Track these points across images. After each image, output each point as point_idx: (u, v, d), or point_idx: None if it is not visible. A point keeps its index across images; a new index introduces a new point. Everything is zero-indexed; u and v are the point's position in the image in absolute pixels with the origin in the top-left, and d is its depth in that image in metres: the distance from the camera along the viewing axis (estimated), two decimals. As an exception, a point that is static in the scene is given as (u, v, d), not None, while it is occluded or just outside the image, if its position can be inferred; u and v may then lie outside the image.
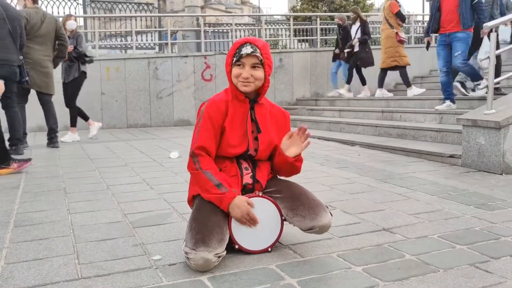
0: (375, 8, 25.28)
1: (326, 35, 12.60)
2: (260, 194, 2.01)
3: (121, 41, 12.65)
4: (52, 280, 1.75)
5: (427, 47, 6.16)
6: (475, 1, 5.52)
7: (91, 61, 6.36)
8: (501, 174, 3.74)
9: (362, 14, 8.98)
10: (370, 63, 8.41)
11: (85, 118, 6.58)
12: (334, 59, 9.15)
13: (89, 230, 2.37)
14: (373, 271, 1.80)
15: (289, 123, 2.18)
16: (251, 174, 2.04)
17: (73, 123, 6.46)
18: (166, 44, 11.57)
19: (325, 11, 19.50)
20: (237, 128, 2.01)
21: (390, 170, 3.99)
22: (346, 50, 8.58)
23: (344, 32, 8.81)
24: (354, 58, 8.59)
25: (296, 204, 2.00)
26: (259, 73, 1.97)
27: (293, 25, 11.84)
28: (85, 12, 11.84)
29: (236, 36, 11.74)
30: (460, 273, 1.78)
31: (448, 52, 5.65)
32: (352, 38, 8.56)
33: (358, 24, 8.57)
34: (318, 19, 11.61)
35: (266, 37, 11.91)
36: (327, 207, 2.03)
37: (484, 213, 2.60)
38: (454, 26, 5.57)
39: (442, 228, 2.34)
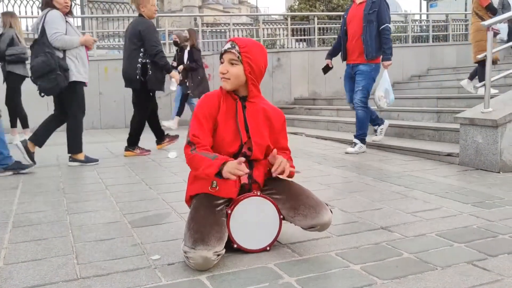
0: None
1: (323, 35, 12.60)
2: (258, 194, 2.02)
3: (119, 41, 12.62)
4: (51, 280, 1.75)
5: (325, 70, 5.25)
6: (382, 27, 4.66)
7: (21, 60, 6.10)
8: (499, 172, 3.75)
9: (195, 38, 7.67)
10: (200, 93, 7.01)
11: (24, 125, 6.50)
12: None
13: (87, 230, 2.37)
14: (371, 269, 1.80)
15: (284, 125, 2.19)
16: (248, 174, 2.04)
17: (13, 124, 6.41)
18: (164, 44, 11.56)
19: (322, 11, 19.51)
20: (230, 124, 2.03)
21: (387, 168, 4.00)
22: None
23: (181, 53, 7.65)
24: (183, 87, 7.50)
25: (297, 204, 2.01)
26: (235, 69, 1.99)
27: (291, 25, 11.85)
28: (83, 12, 11.84)
29: (234, 36, 11.73)
30: (458, 271, 1.78)
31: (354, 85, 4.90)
32: (184, 62, 7.48)
33: (188, 47, 7.49)
34: (315, 18, 11.61)
35: (263, 37, 11.91)
36: (327, 205, 2.04)
37: (482, 211, 2.61)
38: (358, 57, 4.77)
39: (440, 226, 2.35)
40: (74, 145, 4.49)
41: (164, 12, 21.59)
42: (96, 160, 4.58)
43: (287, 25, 11.85)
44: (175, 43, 7.81)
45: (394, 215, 2.56)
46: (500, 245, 2.07)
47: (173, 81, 5.46)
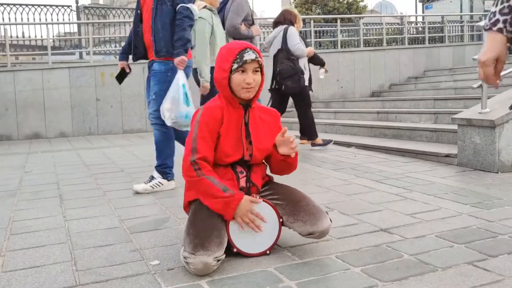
0: (368, 10, 25.36)
1: (320, 38, 12.63)
2: (258, 197, 2.01)
3: (116, 46, 12.62)
4: (50, 287, 1.74)
5: (120, 77, 3.64)
6: (177, 8, 3.30)
7: None
8: (497, 173, 3.75)
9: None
10: None
11: None
12: None
13: (86, 237, 2.36)
14: (372, 271, 1.80)
15: (279, 121, 2.17)
16: (246, 177, 2.04)
17: None
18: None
19: (318, 14, 19.56)
20: (232, 135, 1.99)
21: (386, 170, 4.00)
22: None
23: None
24: None
25: (297, 210, 2.00)
26: (258, 77, 1.97)
27: (287, 28, 11.84)
28: (78, 18, 11.83)
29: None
30: (458, 271, 1.78)
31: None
32: None
33: None
34: (311, 21, 11.64)
35: (260, 40, 11.92)
36: (327, 213, 2.03)
37: (481, 211, 2.61)
38: (151, 51, 3.45)
39: (440, 227, 2.35)
40: (310, 133, 5.43)
41: (160, 17, 21.75)
42: (331, 141, 5.49)
43: (283, 28, 11.85)
44: None
45: (393, 217, 2.56)
46: (500, 245, 2.07)
47: (321, 71, 5.77)
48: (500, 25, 1.24)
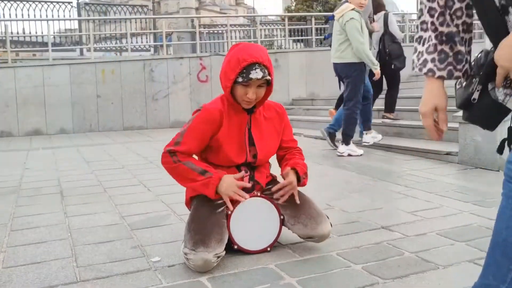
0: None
1: (321, 35, 12.60)
2: (258, 194, 2.01)
3: (116, 43, 12.61)
4: (50, 283, 1.74)
5: None
6: None
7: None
8: (498, 171, 3.75)
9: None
10: None
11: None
12: None
13: (86, 233, 2.35)
14: (373, 269, 1.79)
15: (285, 116, 2.14)
16: (250, 176, 2.04)
17: None
18: (161, 46, 11.55)
19: (319, 11, 19.53)
20: (234, 139, 1.97)
21: (387, 168, 4.00)
22: None
23: None
24: None
25: (298, 213, 2.00)
26: (263, 90, 1.92)
27: (288, 26, 11.85)
28: (79, 15, 11.83)
29: (231, 37, 11.73)
30: (459, 269, 1.78)
31: None
32: None
33: None
34: (313, 19, 11.62)
35: (261, 38, 11.90)
36: (328, 217, 2.03)
37: (482, 209, 2.61)
38: None
39: (441, 225, 2.34)
40: (391, 105, 5.98)
41: (161, 14, 21.58)
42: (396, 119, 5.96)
43: (284, 26, 11.86)
44: None
45: (394, 215, 2.56)
46: (501, 243, 2.06)
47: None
48: (430, 65, 1.15)
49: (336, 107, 5.60)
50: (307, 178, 2.08)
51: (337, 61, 4.77)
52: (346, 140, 4.72)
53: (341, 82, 5.01)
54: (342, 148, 4.71)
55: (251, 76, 1.83)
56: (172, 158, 1.89)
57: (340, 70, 4.79)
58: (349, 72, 4.67)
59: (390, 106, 6.09)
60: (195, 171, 1.87)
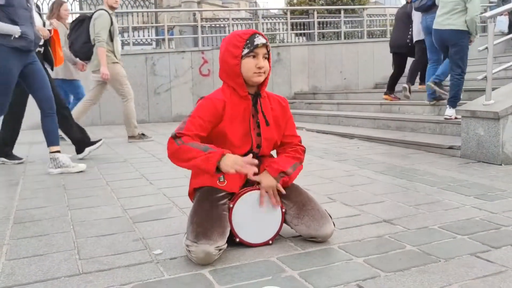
0: (371, 1, 25.17)
1: (323, 29, 12.56)
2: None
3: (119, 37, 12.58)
4: (53, 275, 1.75)
5: None
6: None
7: None
8: (500, 165, 3.74)
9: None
10: None
11: None
12: None
13: (89, 226, 2.36)
14: (375, 262, 1.80)
15: (288, 110, 2.14)
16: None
17: None
18: (163, 39, 11.53)
19: (322, 5, 19.42)
20: (238, 128, 1.97)
21: (389, 162, 3.99)
22: None
23: None
24: None
25: (302, 214, 2.00)
26: (267, 63, 1.95)
27: (290, 19, 11.80)
28: (81, 8, 11.79)
29: (233, 30, 11.66)
30: (461, 262, 1.78)
31: None
32: None
33: None
34: (315, 12, 11.56)
35: (263, 31, 11.86)
36: (331, 217, 2.03)
37: (484, 203, 2.60)
38: None
39: (443, 218, 2.34)
40: (413, 77, 6.61)
41: (163, 8, 21.51)
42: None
43: (286, 19, 11.81)
44: None
45: (396, 208, 2.56)
46: (503, 236, 2.06)
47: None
48: None
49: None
50: (293, 175, 2.04)
51: (446, 28, 4.82)
52: (453, 104, 4.87)
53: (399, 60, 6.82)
54: (449, 111, 4.88)
55: (256, 42, 1.88)
56: (176, 141, 1.84)
57: (449, 37, 4.82)
58: (459, 40, 4.76)
59: (411, 75, 6.60)
60: (197, 148, 1.81)
